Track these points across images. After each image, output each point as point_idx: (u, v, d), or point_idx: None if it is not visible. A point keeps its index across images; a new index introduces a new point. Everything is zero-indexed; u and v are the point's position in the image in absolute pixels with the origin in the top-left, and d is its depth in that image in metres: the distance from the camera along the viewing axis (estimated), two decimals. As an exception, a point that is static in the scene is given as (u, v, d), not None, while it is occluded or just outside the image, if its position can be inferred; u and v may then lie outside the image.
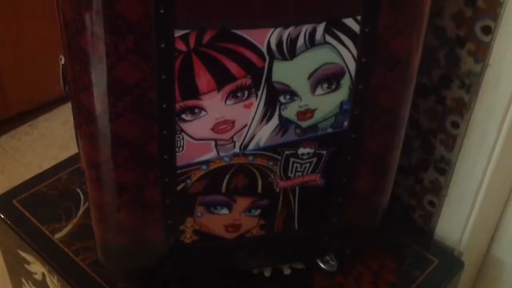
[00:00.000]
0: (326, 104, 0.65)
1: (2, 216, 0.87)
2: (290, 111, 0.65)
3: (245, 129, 0.64)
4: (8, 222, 0.86)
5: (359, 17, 0.60)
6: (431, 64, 0.80)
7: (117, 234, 0.71)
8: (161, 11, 0.55)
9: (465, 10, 0.75)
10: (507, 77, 0.74)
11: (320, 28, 0.60)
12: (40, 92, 1.77)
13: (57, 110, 1.80)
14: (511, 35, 0.71)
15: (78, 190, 0.92)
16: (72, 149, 1.49)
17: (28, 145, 1.69)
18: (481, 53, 0.75)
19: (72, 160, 0.96)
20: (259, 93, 0.62)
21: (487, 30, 0.74)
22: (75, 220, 0.87)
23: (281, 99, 0.63)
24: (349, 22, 0.60)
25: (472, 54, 0.76)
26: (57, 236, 0.85)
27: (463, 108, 0.80)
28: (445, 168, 0.85)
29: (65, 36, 0.58)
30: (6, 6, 1.59)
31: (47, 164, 1.64)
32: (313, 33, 0.60)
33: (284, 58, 0.61)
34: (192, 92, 0.61)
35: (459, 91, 0.79)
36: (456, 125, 0.81)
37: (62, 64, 0.67)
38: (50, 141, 1.71)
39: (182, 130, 0.63)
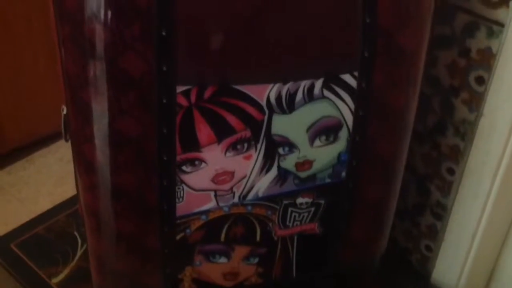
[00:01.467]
0: (324, 155, 0.66)
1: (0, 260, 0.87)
2: (289, 162, 0.65)
3: (244, 180, 0.65)
4: (6, 266, 0.86)
5: (356, 73, 0.61)
6: (426, 111, 0.82)
7: (116, 281, 0.71)
8: (164, 68, 0.57)
9: (458, 60, 0.76)
10: (501, 127, 0.75)
11: (318, 83, 0.61)
12: (37, 127, 1.77)
13: (54, 146, 1.80)
14: (504, 86, 0.73)
15: (75, 233, 0.92)
16: (67, 185, 1.49)
17: (24, 180, 1.69)
18: (475, 102, 0.77)
19: (69, 202, 0.96)
20: (259, 145, 0.63)
21: (481, 81, 0.75)
22: (72, 264, 0.87)
23: (280, 151, 0.64)
24: (347, 77, 0.62)
25: (466, 103, 0.78)
26: (54, 280, 0.85)
27: (458, 155, 0.81)
28: (441, 213, 0.86)
29: (68, 90, 0.59)
30: (4, 42, 1.61)
31: (42, 200, 1.63)
32: (311, 88, 0.61)
33: (283, 112, 0.62)
34: (193, 145, 0.62)
35: (454, 139, 0.81)
36: (451, 171, 0.82)
37: (64, 114, 0.68)
38: (46, 176, 1.71)
39: (182, 181, 0.64)
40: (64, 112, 0.68)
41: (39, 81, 1.61)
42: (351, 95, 0.63)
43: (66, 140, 0.71)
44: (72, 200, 0.94)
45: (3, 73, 1.61)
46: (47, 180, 1.68)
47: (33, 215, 1.32)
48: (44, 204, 1.41)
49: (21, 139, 1.75)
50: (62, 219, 0.94)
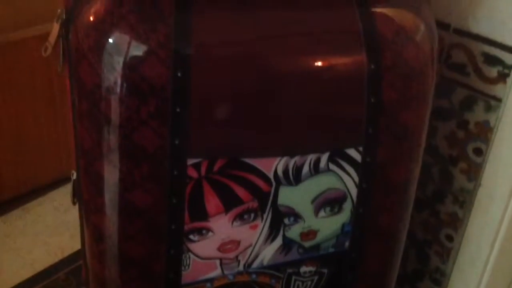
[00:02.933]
0: (328, 225, 0.67)
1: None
2: (294, 232, 0.67)
3: (250, 249, 0.66)
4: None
5: (360, 148, 0.64)
6: (425, 179, 0.84)
7: None
8: (176, 142, 0.58)
9: (457, 132, 0.79)
10: (499, 197, 0.77)
11: (324, 157, 0.63)
12: (35, 176, 1.78)
13: (50, 194, 1.80)
14: (502, 158, 0.75)
15: (75, 292, 0.92)
16: (63, 235, 1.49)
17: (19, 230, 1.68)
18: (474, 172, 0.79)
19: (68, 260, 0.97)
20: (265, 215, 0.65)
21: (479, 152, 0.78)
22: (71, 324, 0.87)
23: (286, 221, 0.66)
24: (351, 152, 0.64)
25: (464, 172, 0.80)
26: None
27: (457, 223, 0.83)
28: (440, 279, 0.87)
29: (82, 162, 0.61)
30: (7, 93, 1.62)
31: (37, 250, 1.62)
32: (317, 161, 0.63)
33: (290, 184, 0.64)
34: (201, 214, 0.63)
35: (452, 206, 0.83)
36: (450, 238, 0.84)
37: (74, 180, 0.69)
38: (41, 226, 1.70)
39: (189, 250, 0.64)
40: (74, 177, 0.69)
41: (39, 132, 1.62)
42: (355, 168, 0.65)
43: (74, 204, 0.72)
44: (71, 258, 0.95)
45: (5, 123, 1.62)
46: (43, 229, 1.67)
47: (28, 265, 1.30)
48: (40, 254, 1.40)
49: (18, 188, 1.75)
50: (62, 277, 0.94)
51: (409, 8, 0.63)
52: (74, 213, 0.75)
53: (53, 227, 1.70)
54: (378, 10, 0.61)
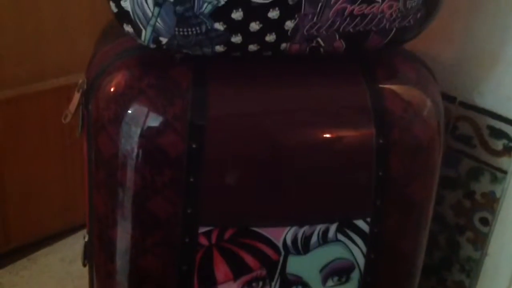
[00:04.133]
0: (336, 295, 0.68)
1: None
2: (302, 301, 0.67)
3: (258, 316, 0.67)
4: None
5: (368, 219, 0.65)
6: (432, 247, 0.84)
7: None
8: (189, 211, 0.60)
9: (464, 201, 0.80)
10: (505, 267, 0.77)
11: (333, 227, 0.64)
12: (41, 227, 1.78)
13: (57, 245, 1.80)
14: (508, 228, 0.76)
15: None
16: (68, 286, 1.48)
17: (25, 280, 1.67)
18: (480, 242, 0.80)
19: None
20: (273, 283, 0.66)
21: (485, 222, 0.79)
22: None
23: (293, 289, 0.66)
24: (360, 223, 0.65)
25: (471, 242, 0.81)
26: None
27: (463, 292, 0.83)
28: None
29: (96, 227, 0.62)
30: (17, 144, 1.65)
31: (42, 302, 1.61)
32: (326, 231, 0.64)
33: (298, 253, 0.65)
34: (210, 281, 0.64)
35: (459, 275, 0.83)
36: (457, 307, 0.84)
37: (85, 242, 0.70)
38: (47, 277, 1.69)
39: (197, 316, 0.65)
40: (86, 239, 0.70)
41: (48, 183, 1.64)
42: (363, 239, 0.66)
43: (84, 265, 0.73)
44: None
45: (15, 174, 1.64)
46: (49, 280, 1.67)
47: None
48: (44, 306, 1.39)
49: (24, 238, 1.76)
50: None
51: (416, 84, 0.65)
52: (78, 264, 0.76)
53: (58, 278, 1.69)
54: (387, 86, 0.63)
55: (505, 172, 0.75)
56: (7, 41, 1.19)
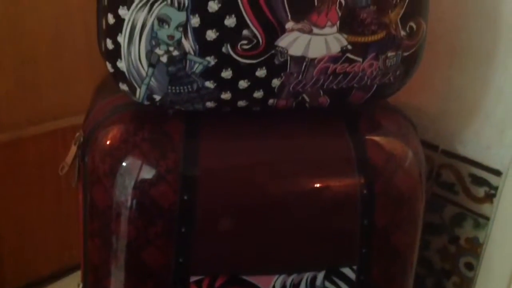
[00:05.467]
0: None
1: None
2: None
3: None
4: None
5: (355, 267, 0.67)
6: (420, 291, 0.86)
7: None
8: (180, 260, 0.62)
9: (449, 246, 0.82)
10: (491, 312, 0.79)
11: (320, 275, 0.66)
12: (36, 269, 1.78)
13: (50, 287, 1.79)
14: (491, 273, 0.78)
15: None
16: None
17: (18, 323, 1.66)
18: (466, 286, 0.82)
19: None
20: (263, 330, 0.67)
21: (470, 266, 0.81)
22: None
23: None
24: (346, 271, 0.67)
25: (457, 286, 0.83)
26: None
27: (452, 336, 0.84)
28: None
29: (91, 276, 0.64)
30: (14, 187, 1.66)
31: None
32: (314, 279, 0.66)
33: (287, 301, 0.67)
34: (201, 329, 0.65)
35: (447, 319, 0.84)
36: None
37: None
38: (40, 320, 1.68)
39: None
40: (80, 287, 0.72)
41: (43, 225, 1.65)
42: (350, 286, 0.68)
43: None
44: None
45: (10, 216, 1.65)
46: (41, 323, 1.66)
47: None
48: None
49: (19, 280, 1.75)
50: None
51: (397, 136, 0.68)
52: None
53: (51, 321, 1.68)
54: (370, 138, 0.66)
55: (487, 218, 0.78)
56: (6, 86, 1.22)
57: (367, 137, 0.66)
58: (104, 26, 0.58)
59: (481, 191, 0.78)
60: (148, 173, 0.60)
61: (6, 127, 1.35)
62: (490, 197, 0.77)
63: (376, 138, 0.67)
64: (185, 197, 0.60)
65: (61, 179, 1.67)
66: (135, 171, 0.60)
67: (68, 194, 1.57)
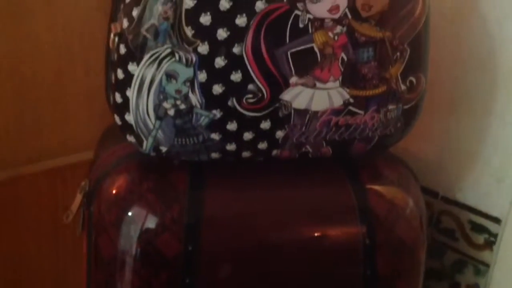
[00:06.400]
0: None
1: None
2: None
3: None
4: None
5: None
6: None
7: None
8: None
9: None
10: None
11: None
12: (32, 308, 1.74)
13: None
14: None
15: None
16: None
17: None
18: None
19: None
20: None
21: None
22: None
23: None
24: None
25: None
26: None
27: None
28: None
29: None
30: (11, 226, 1.65)
31: None
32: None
33: None
34: None
35: None
36: None
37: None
38: None
39: None
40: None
41: (40, 265, 1.64)
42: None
43: None
44: None
45: (7, 255, 1.64)
46: None
47: None
48: None
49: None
50: None
51: (398, 185, 0.69)
52: None
53: None
54: (371, 187, 0.67)
55: (487, 265, 0.78)
56: (6, 125, 1.23)
57: (368, 186, 0.67)
58: (113, 80, 0.59)
59: (481, 238, 0.79)
60: (153, 223, 0.61)
61: (4, 165, 1.35)
62: (490, 244, 0.78)
63: (378, 188, 0.68)
64: (190, 248, 0.61)
65: (58, 217, 1.66)
66: (140, 221, 0.61)
67: (64, 233, 1.56)
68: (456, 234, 0.81)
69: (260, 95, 0.59)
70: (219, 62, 0.57)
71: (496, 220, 0.77)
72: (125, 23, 0.56)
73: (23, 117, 1.25)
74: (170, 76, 0.57)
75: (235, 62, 0.57)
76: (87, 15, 1.13)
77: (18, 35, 1.04)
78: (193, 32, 0.55)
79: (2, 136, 1.29)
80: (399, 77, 0.62)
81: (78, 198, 0.68)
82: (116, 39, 0.57)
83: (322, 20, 0.57)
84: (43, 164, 1.58)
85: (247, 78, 0.58)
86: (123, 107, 0.59)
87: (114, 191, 0.63)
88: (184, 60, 0.56)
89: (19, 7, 1.02)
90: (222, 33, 0.56)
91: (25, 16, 1.04)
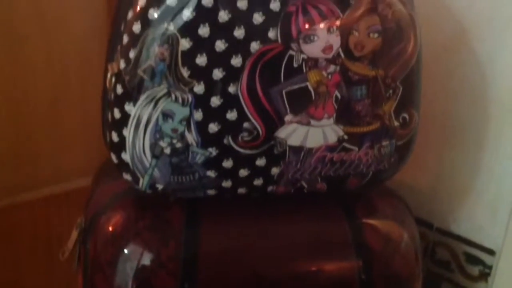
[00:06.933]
0: None
1: None
2: None
3: None
4: None
5: None
6: None
7: None
8: None
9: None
10: None
11: None
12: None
13: None
14: None
15: None
16: None
17: None
18: None
19: None
20: None
21: None
22: None
23: None
24: None
25: None
26: None
27: None
28: None
29: None
30: (6, 253, 1.64)
31: None
32: None
33: None
34: None
35: None
36: None
37: None
38: None
39: None
40: None
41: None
42: None
43: None
44: None
45: (2, 283, 1.62)
46: None
47: None
48: None
49: None
50: None
51: (393, 219, 0.70)
52: None
53: None
54: (366, 222, 0.68)
55: (483, 297, 0.79)
56: (1, 151, 1.23)
57: (364, 221, 0.68)
58: (110, 119, 0.60)
59: (475, 270, 0.79)
60: (149, 261, 0.61)
61: (0, 193, 1.35)
62: (485, 276, 0.78)
63: (373, 222, 0.68)
64: (186, 285, 0.61)
65: (53, 246, 1.65)
66: (136, 259, 0.61)
67: (59, 262, 1.55)
68: (451, 266, 0.81)
69: (256, 133, 0.59)
70: (215, 101, 0.57)
71: (491, 252, 0.77)
72: (122, 64, 0.57)
73: (19, 144, 1.26)
74: (166, 115, 0.57)
75: (231, 101, 0.58)
76: (83, 43, 1.14)
77: (14, 62, 1.05)
78: (189, 72, 0.56)
79: (-2, 165, 1.29)
80: (392, 114, 0.63)
81: (74, 234, 0.68)
82: (113, 79, 0.58)
83: (316, 59, 0.58)
84: (38, 192, 1.58)
85: (242, 117, 0.58)
86: (120, 146, 0.59)
87: (110, 229, 0.63)
88: (180, 100, 0.57)
89: (16, 35, 1.03)
90: (217, 73, 0.57)
91: (22, 44, 1.04)
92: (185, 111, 0.57)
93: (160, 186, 0.61)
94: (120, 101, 0.58)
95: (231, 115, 0.58)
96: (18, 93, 1.10)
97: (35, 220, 1.64)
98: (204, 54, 0.56)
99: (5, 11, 1.00)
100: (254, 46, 0.56)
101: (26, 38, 1.05)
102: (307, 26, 0.57)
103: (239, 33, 0.56)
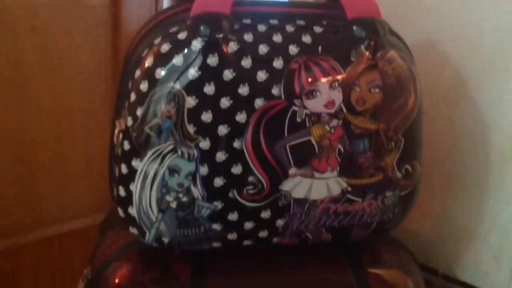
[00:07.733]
0: None
1: None
2: None
3: None
4: None
5: None
6: None
7: None
8: None
9: None
10: None
11: None
12: None
13: None
14: None
15: None
16: None
17: None
18: None
19: None
20: None
21: None
22: None
23: None
24: None
25: None
26: None
27: None
28: None
29: None
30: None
31: None
32: None
33: None
34: None
35: None
36: None
37: None
38: None
39: None
40: None
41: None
42: None
43: None
44: None
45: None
46: None
47: None
48: None
49: None
50: None
51: (399, 268, 0.70)
52: None
53: None
54: (371, 271, 0.68)
55: None
56: (5, 193, 1.24)
57: (369, 270, 0.68)
58: (117, 174, 0.61)
59: (483, 317, 0.79)
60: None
61: (4, 234, 1.35)
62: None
63: (378, 271, 0.69)
64: (192, 338, 0.61)
65: (57, 286, 1.65)
66: (143, 312, 0.61)
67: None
68: (458, 316, 0.81)
69: (260, 186, 0.60)
70: (220, 156, 0.58)
71: (496, 299, 0.77)
72: (130, 121, 0.58)
73: (23, 184, 1.27)
74: (172, 170, 0.58)
75: (236, 156, 0.59)
76: (87, 82, 1.16)
77: (19, 101, 1.06)
78: (195, 129, 0.57)
79: (2, 204, 1.30)
80: (395, 166, 0.64)
81: (81, 286, 0.68)
82: (121, 135, 0.59)
83: (318, 114, 0.60)
84: (42, 232, 1.58)
85: (247, 171, 0.59)
86: (127, 201, 0.60)
87: (116, 281, 0.64)
88: (186, 155, 0.58)
89: (21, 74, 1.05)
90: (222, 129, 0.58)
91: (26, 82, 1.06)
92: (191, 166, 0.58)
93: (166, 240, 0.62)
94: (127, 157, 0.59)
95: (236, 170, 0.59)
96: (22, 132, 1.11)
97: (39, 260, 1.64)
98: (210, 111, 0.57)
99: (11, 49, 1.01)
100: (258, 102, 0.58)
101: (31, 76, 1.06)
102: (309, 82, 0.59)
103: (243, 90, 0.58)
